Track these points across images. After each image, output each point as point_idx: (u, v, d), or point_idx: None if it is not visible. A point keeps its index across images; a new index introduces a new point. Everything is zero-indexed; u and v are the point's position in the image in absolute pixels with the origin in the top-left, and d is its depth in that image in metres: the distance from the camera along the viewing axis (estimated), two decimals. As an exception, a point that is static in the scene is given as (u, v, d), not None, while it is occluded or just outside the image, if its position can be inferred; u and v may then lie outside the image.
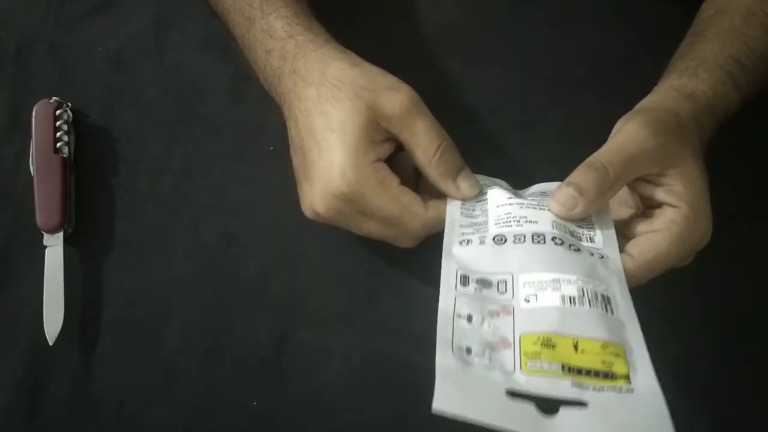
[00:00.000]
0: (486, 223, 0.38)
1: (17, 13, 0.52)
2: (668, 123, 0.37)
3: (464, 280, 0.35)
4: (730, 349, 0.44)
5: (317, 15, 0.44)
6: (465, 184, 0.39)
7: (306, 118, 0.38)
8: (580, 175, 0.36)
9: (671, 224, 0.36)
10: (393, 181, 0.38)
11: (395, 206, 0.38)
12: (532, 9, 0.51)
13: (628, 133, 0.37)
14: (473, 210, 0.39)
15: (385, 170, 0.38)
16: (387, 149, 0.39)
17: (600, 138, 0.39)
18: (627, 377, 0.31)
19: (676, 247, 0.36)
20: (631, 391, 0.30)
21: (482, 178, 0.41)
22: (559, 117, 0.48)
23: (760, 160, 0.48)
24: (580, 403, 0.30)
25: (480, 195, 0.40)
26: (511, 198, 0.39)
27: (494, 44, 0.50)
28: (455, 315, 0.33)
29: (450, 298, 0.34)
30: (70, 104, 0.48)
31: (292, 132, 0.40)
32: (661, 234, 0.36)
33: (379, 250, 0.44)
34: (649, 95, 0.41)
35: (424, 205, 0.39)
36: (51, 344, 0.43)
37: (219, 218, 0.47)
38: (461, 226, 0.38)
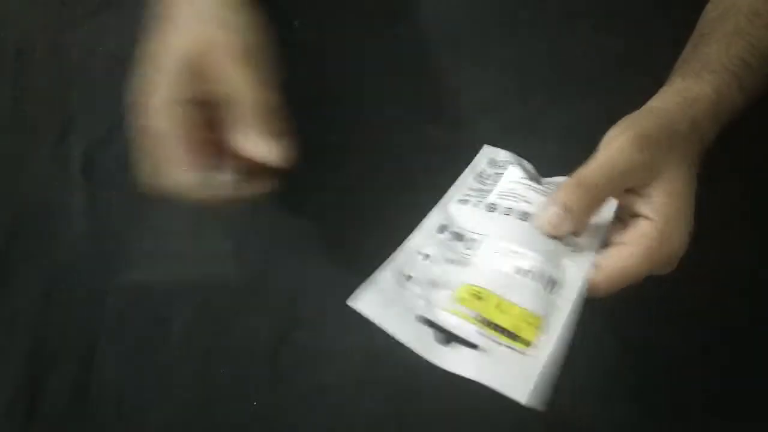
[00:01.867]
0: (490, 192, 0.40)
1: (17, 13, 0.52)
2: (658, 135, 0.37)
3: (441, 229, 0.38)
4: (730, 351, 0.44)
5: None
6: (280, 148, 0.38)
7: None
8: (568, 193, 0.36)
9: (641, 238, 0.36)
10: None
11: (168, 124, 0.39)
12: (532, 9, 0.51)
13: (616, 150, 0.37)
14: (487, 179, 0.42)
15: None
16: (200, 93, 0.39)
17: (600, 138, 0.39)
18: (528, 343, 0.33)
19: (643, 262, 0.36)
20: (522, 353, 0.33)
21: (512, 156, 0.43)
22: (559, 117, 0.48)
23: (760, 160, 0.48)
24: (473, 345, 0.33)
25: (500, 168, 0.42)
26: (523, 178, 0.40)
27: (494, 44, 0.50)
28: (417, 251, 0.37)
29: (421, 238, 0.37)
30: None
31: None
32: (629, 248, 0.36)
33: (380, 250, 0.44)
34: (652, 99, 0.41)
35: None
36: None
37: (219, 219, 0.47)
38: (469, 188, 0.41)
